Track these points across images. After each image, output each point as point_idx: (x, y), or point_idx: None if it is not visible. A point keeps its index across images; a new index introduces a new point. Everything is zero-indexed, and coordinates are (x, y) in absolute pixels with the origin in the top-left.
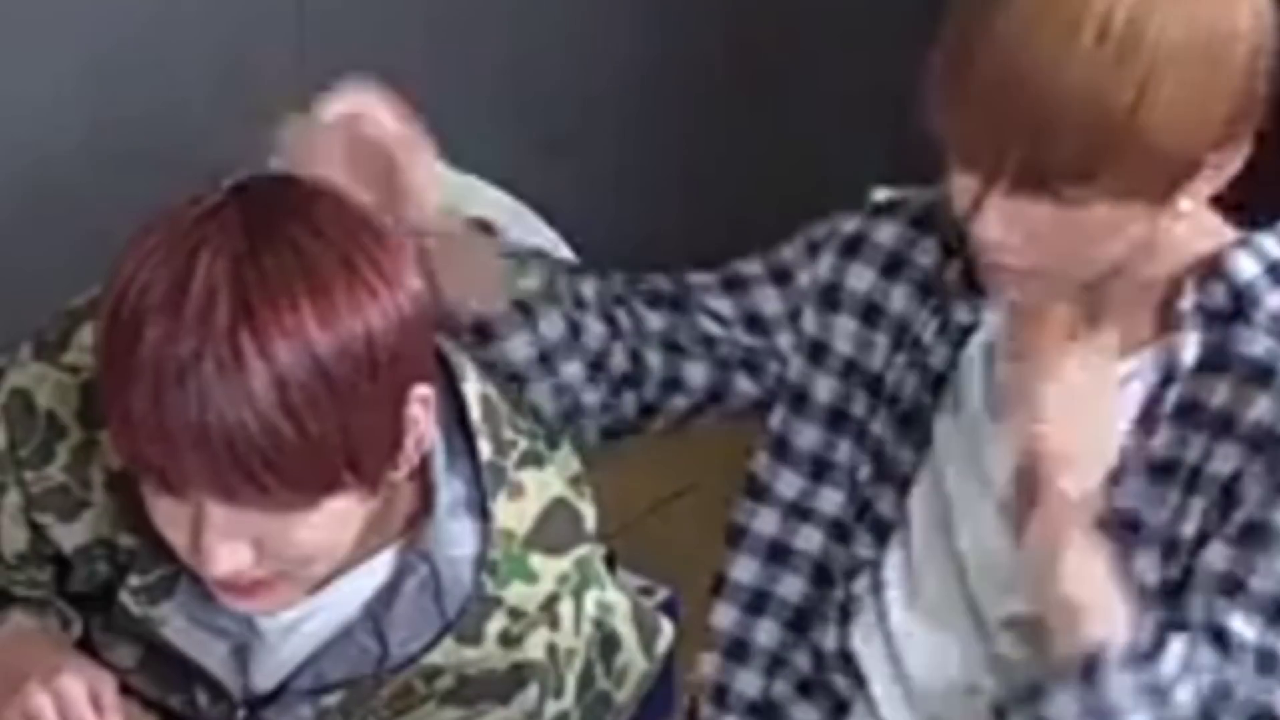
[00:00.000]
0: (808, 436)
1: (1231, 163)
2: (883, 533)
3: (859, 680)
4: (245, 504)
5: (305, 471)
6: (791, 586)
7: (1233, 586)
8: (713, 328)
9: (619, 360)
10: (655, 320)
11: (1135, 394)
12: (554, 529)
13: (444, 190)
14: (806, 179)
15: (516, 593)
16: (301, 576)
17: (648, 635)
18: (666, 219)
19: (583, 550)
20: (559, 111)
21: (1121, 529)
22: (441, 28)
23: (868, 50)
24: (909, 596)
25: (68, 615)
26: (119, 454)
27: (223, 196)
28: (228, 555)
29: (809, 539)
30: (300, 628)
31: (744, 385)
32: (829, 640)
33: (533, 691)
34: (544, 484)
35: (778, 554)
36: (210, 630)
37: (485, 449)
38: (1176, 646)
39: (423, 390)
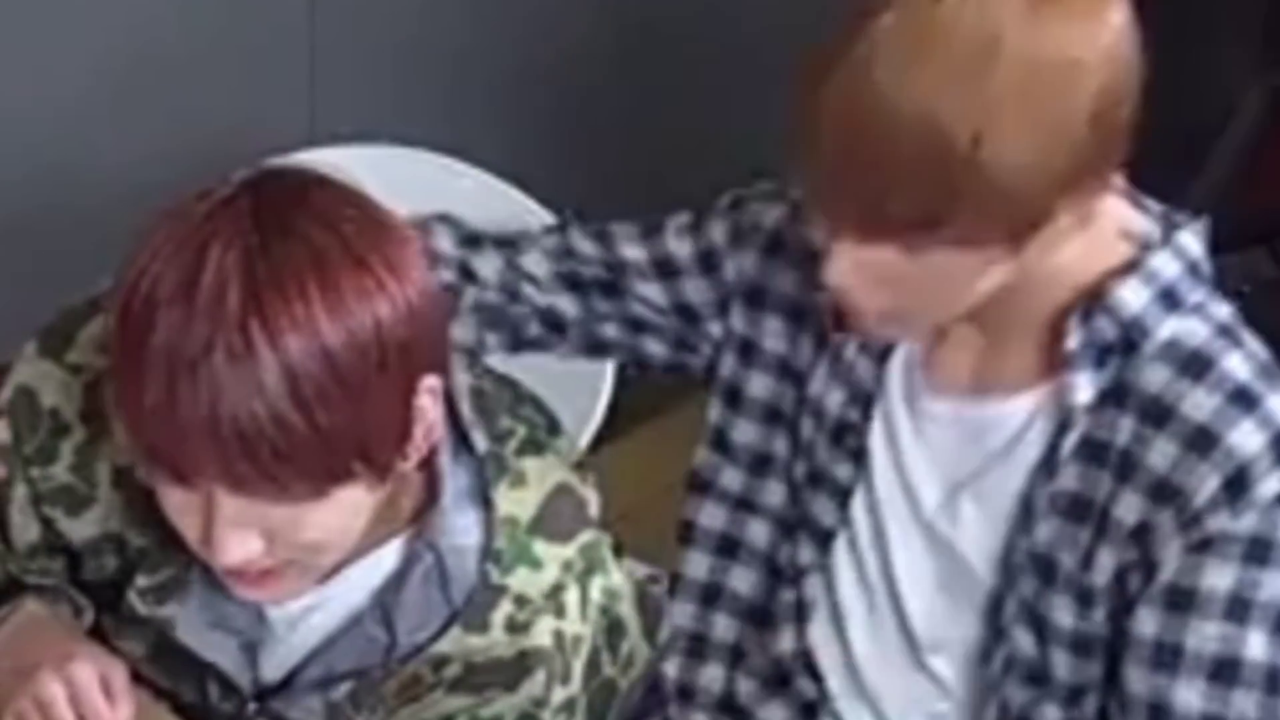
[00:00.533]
0: (745, 431)
1: (1090, 212)
2: (824, 540)
3: (819, 680)
4: (256, 494)
5: (315, 462)
6: (744, 580)
7: (1169, 656)
8: (643, 311)
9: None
10: (570, 305)
11: (1038, 432)
12: (558, 515)
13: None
14: None
15: (522, 580)
16: (311, 566)
17: (652, 621)
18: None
19: (587, 536)
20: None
21: (1035, 573)
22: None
23: None
24: (862, 604)
25: (79, 603)
26: (131, 444)
27: (233, 189)
28: (238, 545)
29: (757, 533)
30: (309, 618)
31: (657, 350)
32: (786, 641)
33: (540, 678)
34: (545, 470)
35: (727, 548)
36: (221, 629)
37: (480, 441)
38: None
39: (432, 381)
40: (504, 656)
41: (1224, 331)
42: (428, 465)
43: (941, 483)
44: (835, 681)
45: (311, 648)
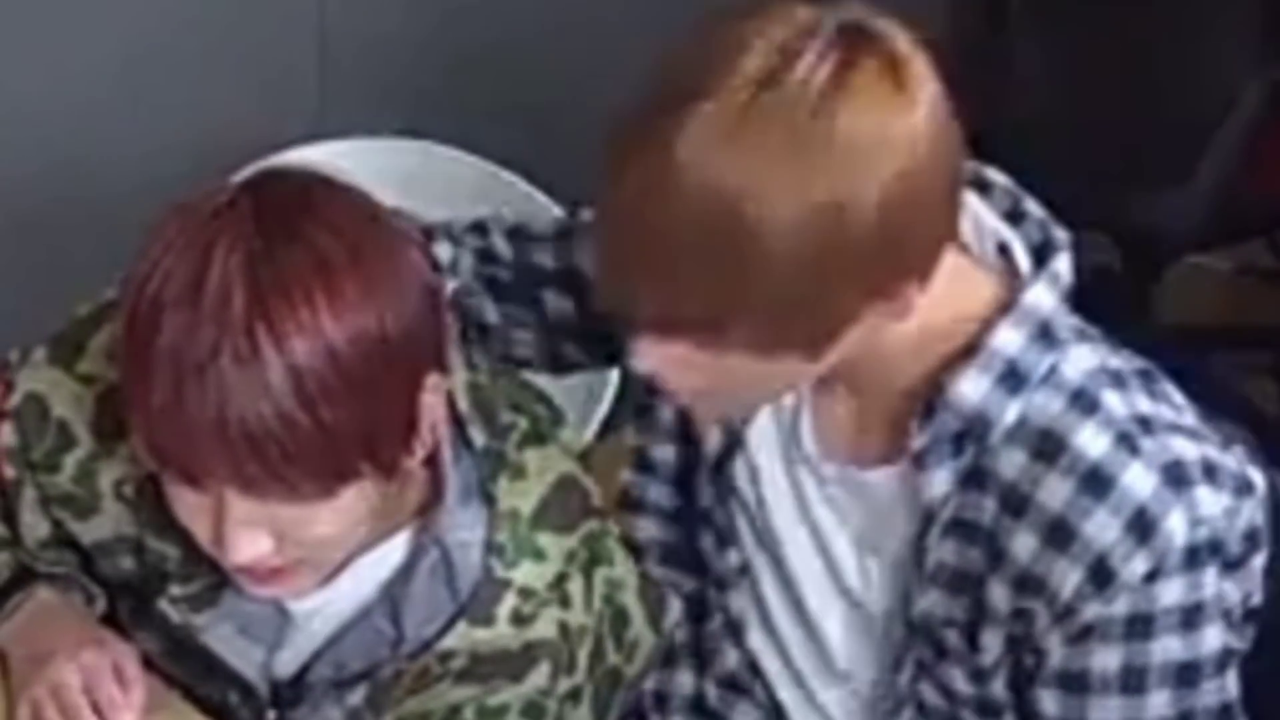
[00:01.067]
0: (663, 451)
1: (905, 307)
2: (743, 567)
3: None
4: (265, 494)
5: (323, 461)
6: (692, 585)
7: None
8: (558, 320)
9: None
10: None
11: (914, 502)
12: (561, 506)
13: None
14: None
15: (526, 572)
16: (320, 563)
17: (654, 610)
18: None
19: (591, 526)
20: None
21: (928, 643)
22: None
23: None
24: (788, 619)
25: (91, 591)
26: (142, 446)
27: (236, 192)
28: (249, 544)
29: (690, 539)
30: (323, 611)
31: (580, 358)
32: (731, 660)
33: (545, 669)
34: (547, 462)
35: (670, 556)
36: (247, 635)
37: (478, 436)
38: None
39: (435, 378)
40: (510, 648)
41: (1076, 398)
42: (432, 461)
43: (837, 539)
44: (785, 692)
45: (322, 642)
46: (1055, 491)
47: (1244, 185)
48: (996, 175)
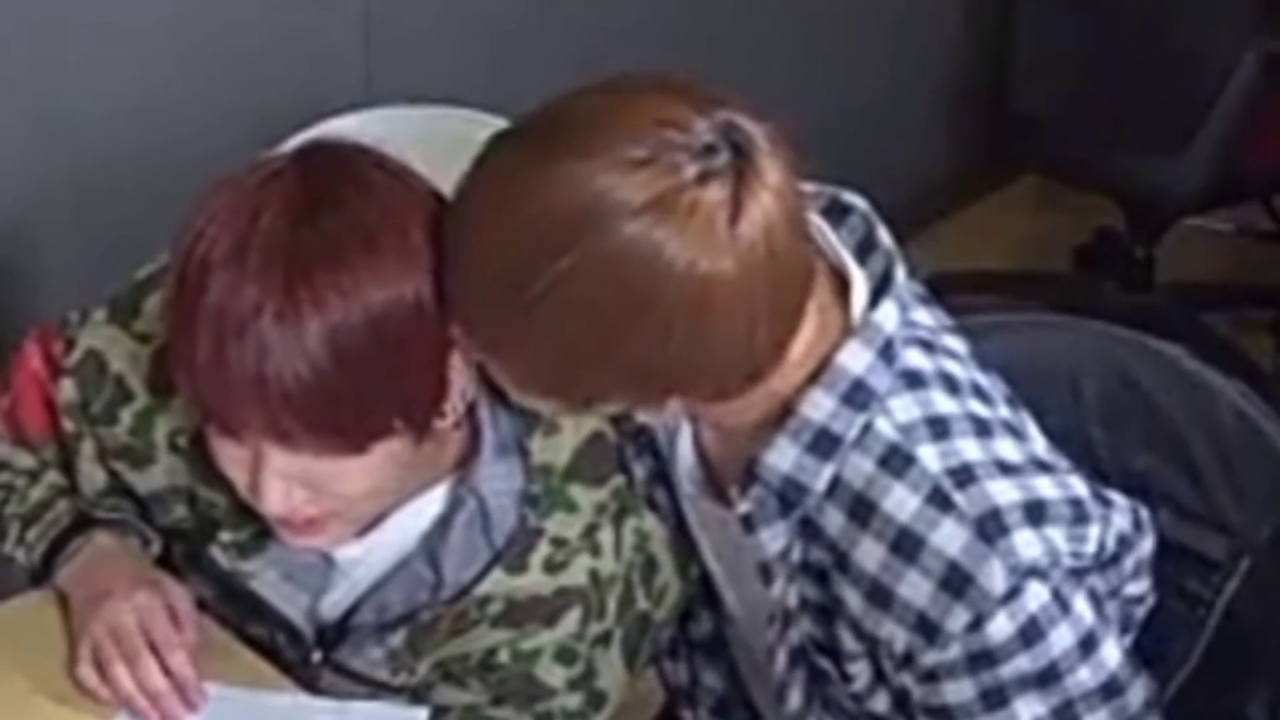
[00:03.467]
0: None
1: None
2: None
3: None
4: (300, 449)
5: (356, 420)
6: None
7: None
8: None
9: None
10: None
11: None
12: (592, 461)
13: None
14: None
15: (558, 523)
16: (352, 516)
17: (683, 558)
18: None
19: (620, 480)
20: None
21: (806, 672)
22: None
23: None
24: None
25: (147, 535)
26: (186, 399)
27: (284, 162)
28: (283, 495)
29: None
30: (366, 559)
31: None
32: (705, 626)
33: (576, 614)
34: (580, 419)
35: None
36: (293, 581)
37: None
38: None
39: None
40: (543, 594)
41: (889, 458)
42: (470, 417)
43: (722, 566)
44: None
45: (365, 588)
46: (870, 554)
47: (1241, 152)
48: (858, 201)
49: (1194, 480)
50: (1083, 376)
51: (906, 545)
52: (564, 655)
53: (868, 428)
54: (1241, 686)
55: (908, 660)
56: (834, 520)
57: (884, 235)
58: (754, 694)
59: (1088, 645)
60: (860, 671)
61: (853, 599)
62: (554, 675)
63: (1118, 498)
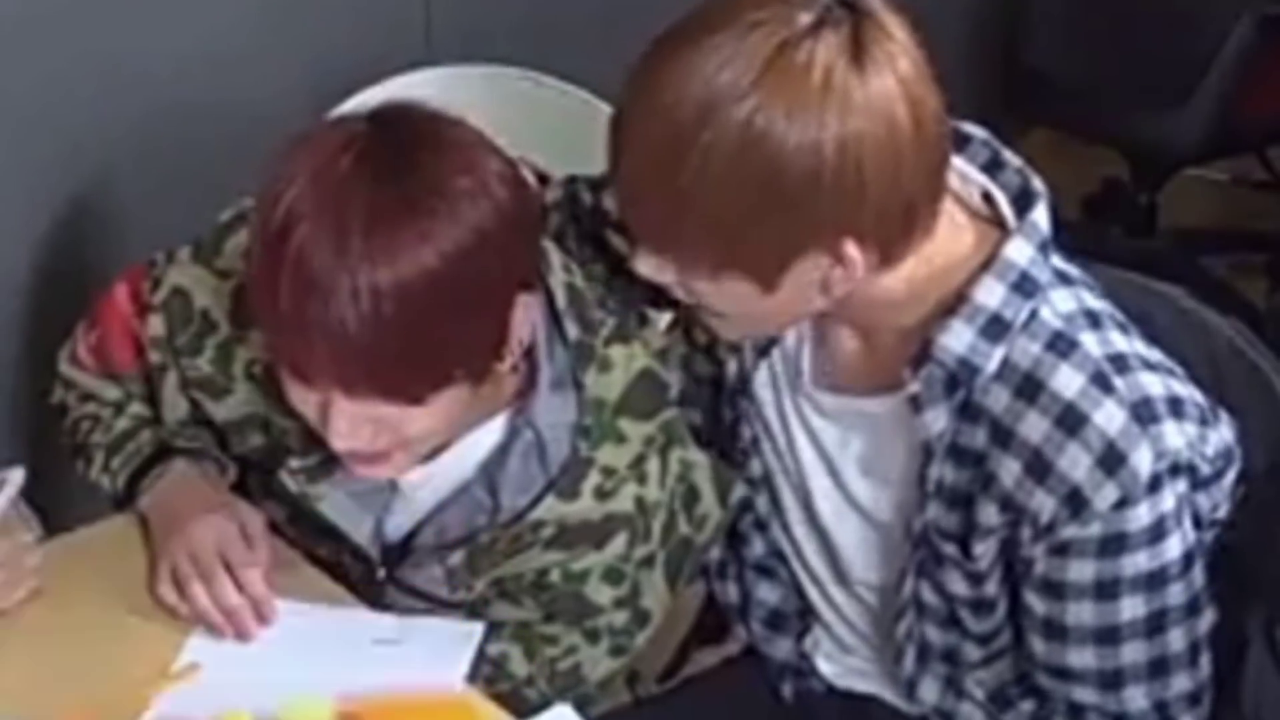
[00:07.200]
0: (702, 365)
1: (852, 261)
2: (751, 480)
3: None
4: (365, 396)
5: (421, 372)
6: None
7: (1058, 631)
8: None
9: None
10: None
11: (914, 427)
12: (641, 396)
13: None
14: None
15: (608, 453)
16: (416, 451)
17: (724, 488)
18: None
19: (667, 414)
20: None
21: (928, 551)
22: None
23: None
24: (806, 521)
25: (223, 462)
26: (266, 342)
27: (363, 123)
28: (350, 432)
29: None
30: (428, 484)
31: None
32: (759, 549)
33: (623, 538)
34: (631, 357)
35: (712, 444)
36: (360, 506)
37: (572, 331)
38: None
39: (526, 298)
40: (592, 519)
41: (1055, 341)
42: (528, 354)
43: (843, 458)
44: (804, 586)
45: (427, 512)
46: (1035, 427)
47: (1237, 107)
48: (975, 129)
49: None
50: None
51: (1070, 420)
52: (611, 576)
53: (1034, 315)
54: (1239, 605)
55: (1046, 532)
56: (999, 399)
57: (1010, 155)
58: (813, 600)
59: (1188, 560)
60: (984, 552)
61: (1009, 472)
62: (602, 594)
63: (1223, 413)
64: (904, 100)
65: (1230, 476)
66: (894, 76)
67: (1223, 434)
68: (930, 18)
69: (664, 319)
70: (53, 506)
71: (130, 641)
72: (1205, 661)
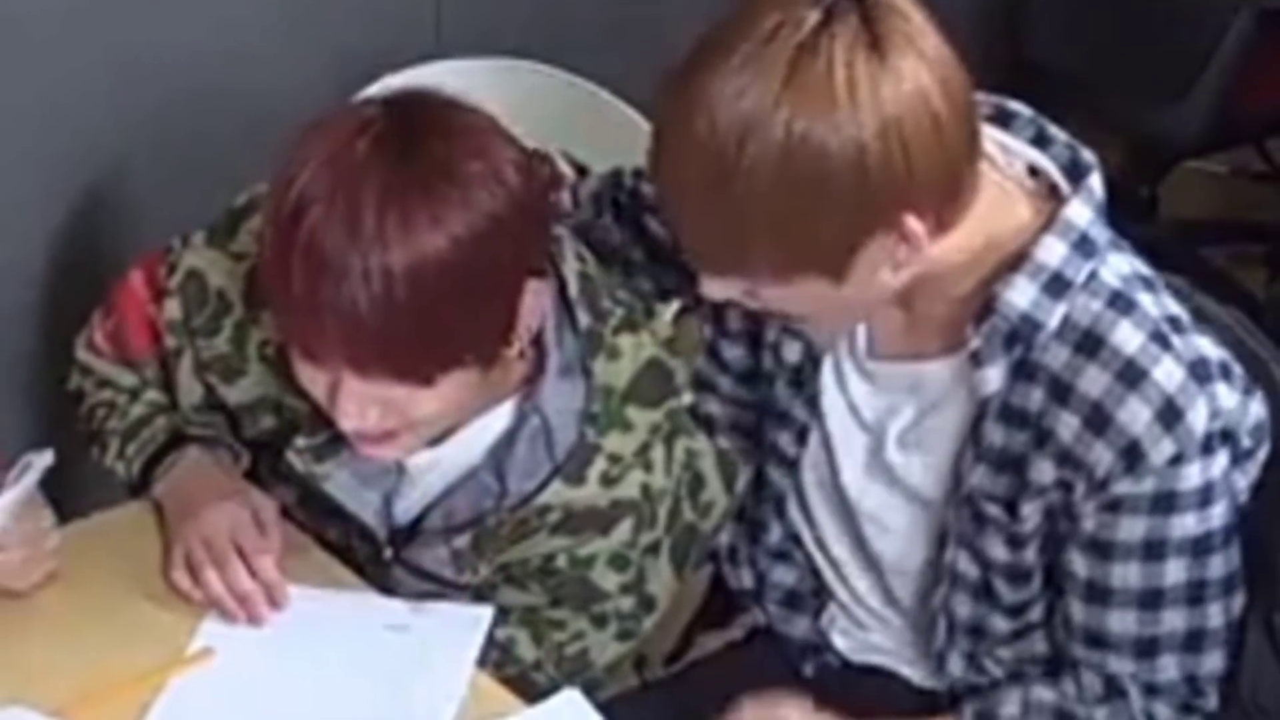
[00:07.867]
0: (732, 351)
1: (915, 235)
2: (790, 466)
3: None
4: (375, 377)
5: (430, 354)
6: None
7: (1100, 593)
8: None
9: None
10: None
11: (967, 390)
12: (648, 385)
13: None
14: None
15: (615, 441)
16: (423, 433)
17: (729, 475)
18: None
19: (674, 403)
20: None
21: (970, 515)
22: None
23: None
24: (832, 499)
25: (237, 450)
26: (277, 324)
27: (377, 108)
28: (359, 413)
29: (757, 426)
30: (436, 468)
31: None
32: (775, 534)
33: (628, 524)
34: (639, 346)
35: (732, 434)
36: (366, 485)
37: (583, 318)
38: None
39: (536, 284)
40: (598, 505)
41: (1115, 300)
42: (537, 341)
43: (886, 430)
44: (822, 569)
45: (434, 496)
46: (1095, 381)
47: (1236, 99)
48: (1019, 106)
49: None
50: None
51: (1130, 374)
52: (617, 561)
53: (1093, 275)
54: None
55: (1100, 487)
56: (1058, 356)
57: (1056, 130)
58: (829, 580)
59: (1228, 535)
60: (1032, 513)
61: (1068, 427)
62: (608, 580)
63: (1257, 390)
64: (930, 75)
65: (1261, 455)
66: (915, 55)
67: (1258, 409)
68: (931, 7)
69: (670, 310)
70: (69, 493)
71: (145, 625)
72: (1232, 651)
